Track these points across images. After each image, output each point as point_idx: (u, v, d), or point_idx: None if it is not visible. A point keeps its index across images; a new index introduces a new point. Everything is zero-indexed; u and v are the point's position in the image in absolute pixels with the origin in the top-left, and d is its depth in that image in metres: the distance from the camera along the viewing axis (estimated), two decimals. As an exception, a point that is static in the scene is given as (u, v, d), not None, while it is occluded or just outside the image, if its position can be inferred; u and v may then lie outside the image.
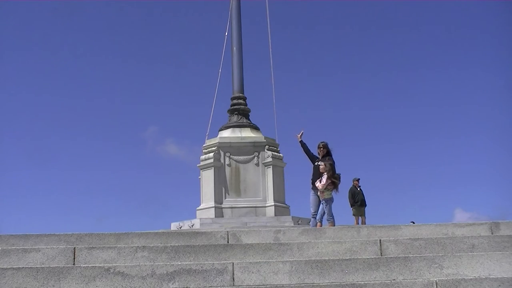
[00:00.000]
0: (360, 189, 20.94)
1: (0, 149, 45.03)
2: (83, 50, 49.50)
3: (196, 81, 49.57)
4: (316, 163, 13.67)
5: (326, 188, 12.86)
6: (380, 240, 7.84)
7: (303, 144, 14.01)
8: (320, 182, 12.94)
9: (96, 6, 50.09)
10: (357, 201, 20.56)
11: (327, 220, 13.00)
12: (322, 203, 13.07)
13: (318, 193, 13.07)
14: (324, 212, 13.00)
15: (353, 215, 20.65)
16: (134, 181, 47.75)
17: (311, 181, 13.63)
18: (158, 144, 51.57)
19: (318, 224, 13.03)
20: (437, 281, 6.14)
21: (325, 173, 12.97)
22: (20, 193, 44.53)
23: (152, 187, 46.83)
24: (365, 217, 20.70)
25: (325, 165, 13.10)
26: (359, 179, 21.09)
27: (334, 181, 12.92)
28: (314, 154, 13.92)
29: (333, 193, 13.03)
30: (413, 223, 21.20)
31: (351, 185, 20.79)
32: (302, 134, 14.08)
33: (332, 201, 13.16)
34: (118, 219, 42.98)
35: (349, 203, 20.64)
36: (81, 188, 46.28)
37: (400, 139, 49.31)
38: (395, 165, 47.92)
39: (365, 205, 20.82)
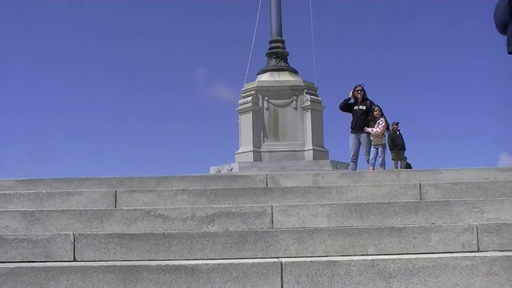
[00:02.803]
0: (399, 133, 20.70)
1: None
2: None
3: (236, 26, 49.12)
4: (356, 107, 13.53)
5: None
6: (420, 184, 7.76)
7: (347, 100, 13.77)
8: (377, 127, 12.94)
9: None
10: (397, 145, 20.30)
11: (380, 165, 13.00)
12: (377, 148, 13.06)
13: (372, 137, 13.04)
14: (376, 156, 13.02)
15: (392, 159, 20.46)
16: (180, 125, 47.98)
17: (351, 124, 13.55)
18: (208, 86, 51.57)
19: (371, 167, 12.99)
20: (478, 225, 6.04)
21: (381, 117, 12.98)
22: (67, 137, 45.22)
23: (194, 130, 47.05)
24: (404, 161, 20.54)
25: (379, 110, 13.08)
26: (398, 123, 20.80)
27: (387, 123, 13.06)
28: (348, 102, 13.75)
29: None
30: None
31: (390, 129, 20.56)
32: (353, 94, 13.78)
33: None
34: (162, 163, 43.41)
35: (388, 147, 20.47)
36: (128, 134, 46.82)
37: (442, 85, 48.13)
38: (437, 110, 47.01)
39: (405, 149, 20.61)
